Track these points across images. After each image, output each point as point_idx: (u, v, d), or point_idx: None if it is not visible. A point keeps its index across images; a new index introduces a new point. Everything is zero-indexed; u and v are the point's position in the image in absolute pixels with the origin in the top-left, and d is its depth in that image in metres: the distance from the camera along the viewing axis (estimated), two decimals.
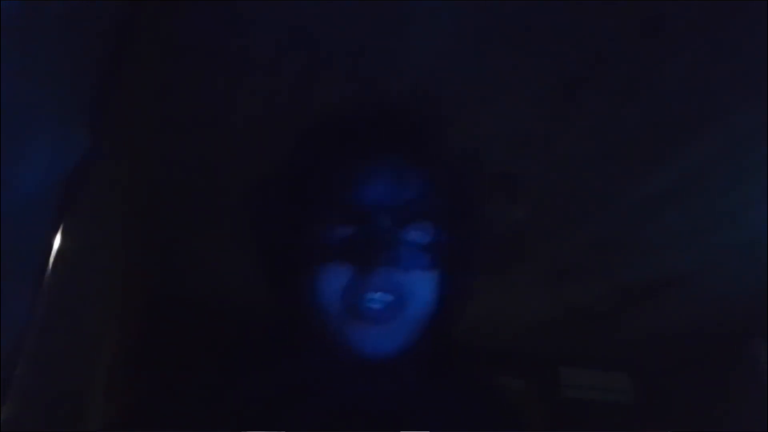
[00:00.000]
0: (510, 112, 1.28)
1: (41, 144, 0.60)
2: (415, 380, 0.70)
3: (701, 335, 1.99)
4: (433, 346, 0.72)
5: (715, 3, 1.02)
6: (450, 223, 0.73)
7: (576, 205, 1.59)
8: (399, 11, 1.05)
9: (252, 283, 0.73)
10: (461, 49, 1.13)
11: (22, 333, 0.56)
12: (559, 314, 2.01)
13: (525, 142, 1.35)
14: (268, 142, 1.10)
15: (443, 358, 0.75)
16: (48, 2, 0.58)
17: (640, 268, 1.78)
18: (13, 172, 0.54)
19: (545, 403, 2.34)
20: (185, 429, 0.61)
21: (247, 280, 0.77)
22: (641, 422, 2.12)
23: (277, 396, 0.65)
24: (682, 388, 2.12)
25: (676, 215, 1.56)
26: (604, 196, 1.55)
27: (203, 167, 1.38)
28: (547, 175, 1.47)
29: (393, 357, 0.67)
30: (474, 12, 1.07)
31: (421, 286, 0.69)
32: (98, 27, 0.71)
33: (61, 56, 0.61)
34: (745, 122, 1.26)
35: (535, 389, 2.36)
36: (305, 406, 0.65)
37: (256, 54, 1.12)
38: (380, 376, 0.68)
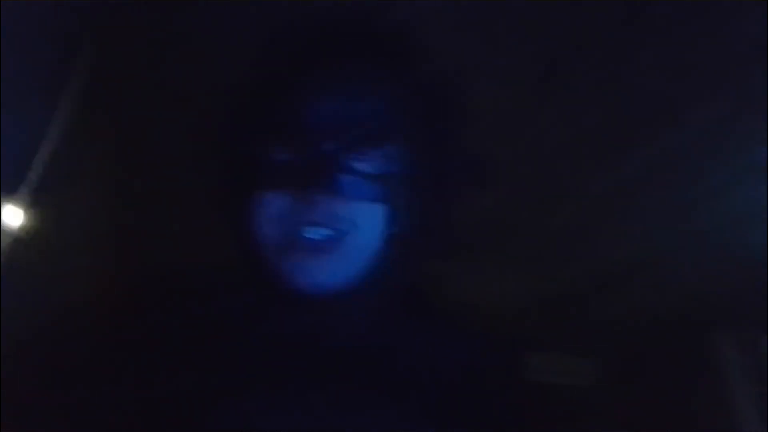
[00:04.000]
0: (483, 99, 1.28)
1: (22, 127, 0.58)
2: (364, 319, 0.64)
3: (669, 322, 2.04)
4: (386, 287, 0.65)
5: None
6: (405, 154, 0.66)
7: (547, 192, 1.61)
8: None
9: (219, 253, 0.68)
10: (437, 36, 1.13)
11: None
12: (530, 300, 2.04)
13: (497, 128, 1.36)
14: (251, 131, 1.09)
15: (401, 301, 0.68)
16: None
17: (610, 254, 1.81)
18: None
19: (511, 386, 2.36)
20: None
21: (223, 254, 0.72)
22: (609, 407, 2.16)
23: (218, 337, 0.60)
24: (650, 373, 2.16)
25: (646, 202, 1.59)
26: (574, 182, 1.57)
27: (180, 150, 1.36)
28: (518, 162, 1.48)
29: (338, 293, 0.62)
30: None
31: (365, 220, 0.63)
32: (84, 21, 0.69)
33: (45, 45, 0.59)
34: (712, 110, 1.29)
35: (501, 373, 2.38)
36: (244, 342, 0.60)
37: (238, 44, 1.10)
38: (324, 312, 0.62)
